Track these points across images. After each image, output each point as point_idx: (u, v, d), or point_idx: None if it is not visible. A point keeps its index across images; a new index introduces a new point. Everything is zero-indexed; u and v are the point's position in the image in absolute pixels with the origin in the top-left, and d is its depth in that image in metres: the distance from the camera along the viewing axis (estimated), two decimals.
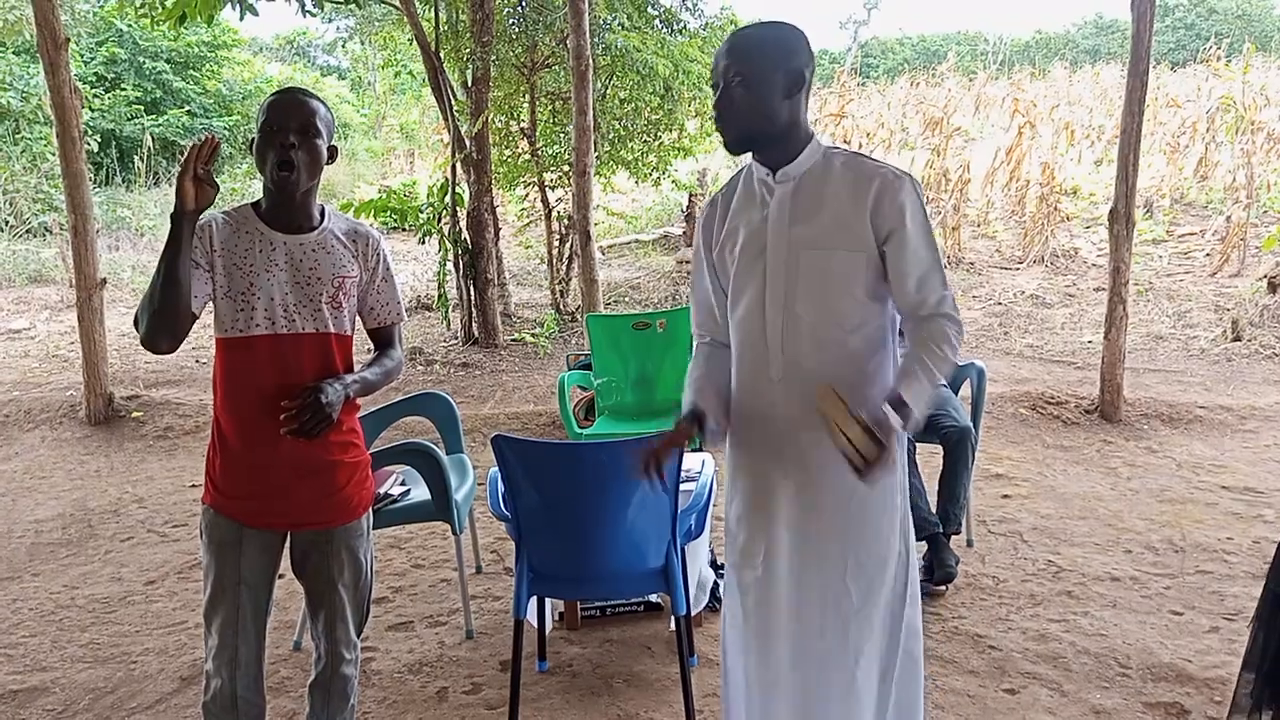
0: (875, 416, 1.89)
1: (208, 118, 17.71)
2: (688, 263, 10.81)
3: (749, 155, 2.16)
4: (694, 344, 2.39)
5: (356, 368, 2.39)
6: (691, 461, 3.39)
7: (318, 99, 2.26)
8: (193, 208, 2.06)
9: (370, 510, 2.48)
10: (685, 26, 9.73)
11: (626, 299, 10.36)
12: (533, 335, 8.91)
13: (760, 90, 2.00)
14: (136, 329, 2.21)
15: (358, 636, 2.46)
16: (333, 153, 2.29)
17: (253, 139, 2.24)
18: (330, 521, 2.35)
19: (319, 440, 2.25)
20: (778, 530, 2.15)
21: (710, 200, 2.27)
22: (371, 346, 2.53)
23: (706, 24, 9.98)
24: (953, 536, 3.91)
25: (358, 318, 2.45)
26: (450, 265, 8.58)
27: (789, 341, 2.08)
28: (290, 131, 2.17)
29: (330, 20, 13.03)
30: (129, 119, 16.40)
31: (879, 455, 1.86)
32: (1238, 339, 8.16)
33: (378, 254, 2.40)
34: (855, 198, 2.04)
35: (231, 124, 17.71)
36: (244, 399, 2.25)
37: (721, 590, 3.71)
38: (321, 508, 2.33)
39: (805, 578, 2.13)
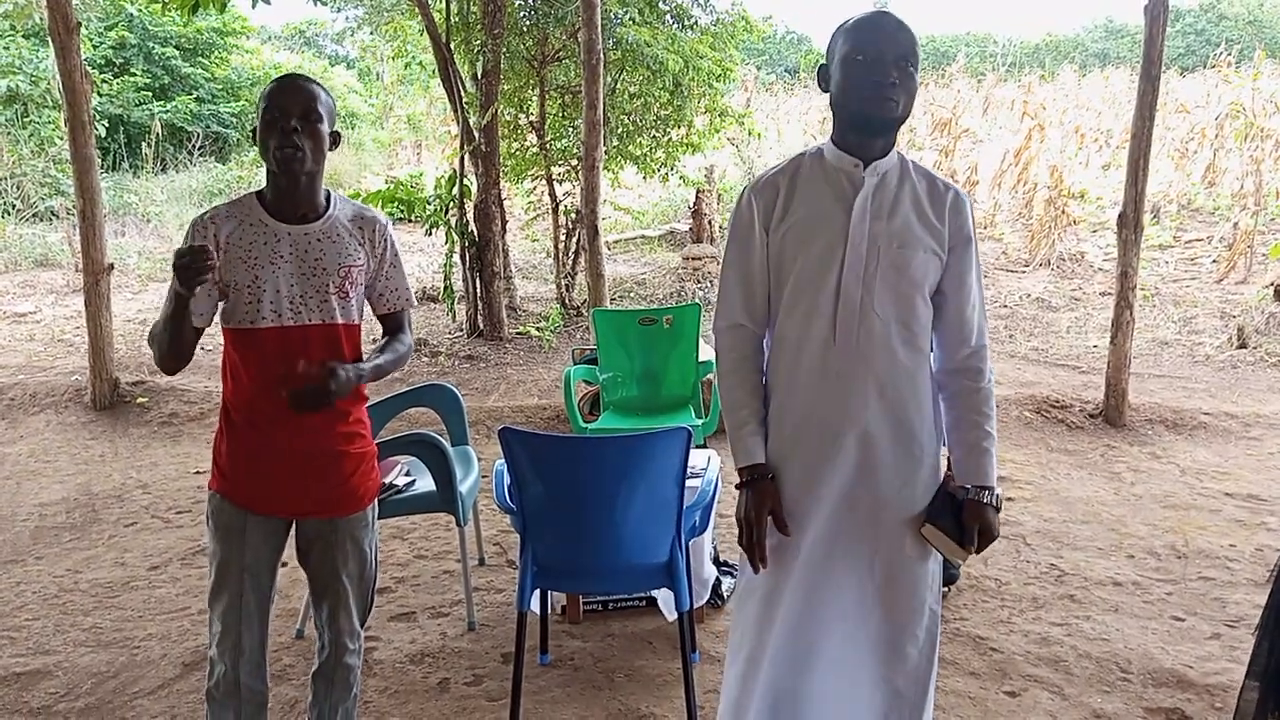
0: (988, 531, 2.08)
1: (215, 104, 17.69)
2: (695, 258, 10.78)
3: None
4: (722, 340, 2.20)
5: (366, 354, 2.39)
6: (697, 458, 3.39)
7: (318, 84, 2.26)
8: (192, 290, 2.08)
9: (376, 501, 2.48)
10: (696, 23, 9.72)
11: (632, 294, 10.36)
12: (538, 329, 8.91)
13: (917, 80, 2.03)
14: (150, 346, 2.26)
15: (361, 627, 2.47)
16: (335, 138, 2.29)
17: (254, 127, 2.24)
18: (335, 511, 2.36)
19: (326, 430, 2.27)
20: (821, 529, 2.11)
21: (767, 181, 2.16)
22: (379, 333, 2.52)
23: (717, 20, 9.96)
24: None
25: (366, 305, 2.44)
26: (456, 257, 8.59)
27: (861, 336, 2.05)
28: (293, 116, 2.16)
29: (340, 10, 13.00)
30: (137, 104, 16.39)
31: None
32: (1243, 346, 8.15)
33: (385, 239, 2.39)
34: (933, 202, 2.08)
35: (238, 110, 17.68)
36: (252, 390, 2.25)
37: (724, 588, 3.74)
38: (327, 497, 2.34)
39: (852, 578, 2.11)
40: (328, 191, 2.34)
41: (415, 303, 2.52)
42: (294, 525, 2.39)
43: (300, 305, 2.24)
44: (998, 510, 2.09)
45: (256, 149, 2.24)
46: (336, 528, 2.37)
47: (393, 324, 2.50)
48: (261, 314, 2.22)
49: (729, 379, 2.19)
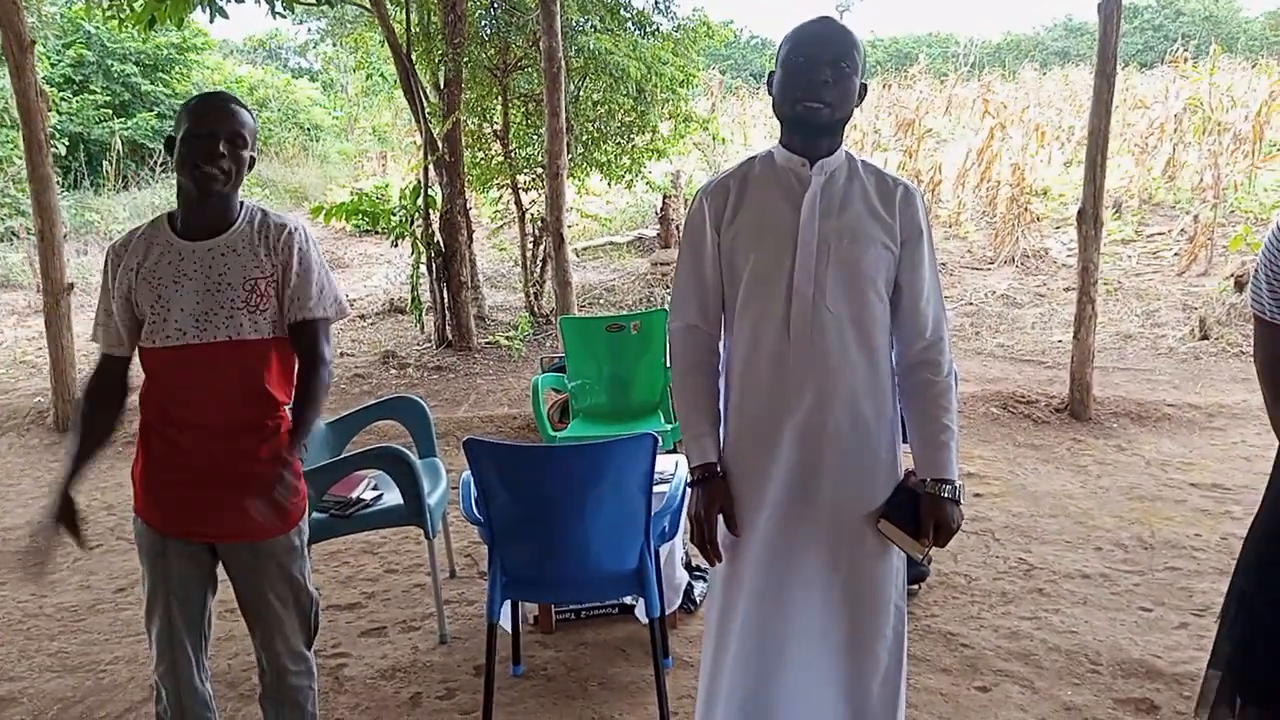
0: (944, 526, 2.07)
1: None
2: (663, 264, 10.79)
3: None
4: (675, 341, 2.21)
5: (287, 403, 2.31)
6: (664, 463, 3.39)
7: (244, 106, 2.21)
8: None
9: (302, 525, 2.36)
10: (658, 29, 9.73)
11: (601, 301, 10.35)
12: (507, 338, 8.88)
13: (854, 82, 2.05)
14: None
15: (308, 649, 2.41)
16: (252, 162, 2.23)
17: (171, 137, 2.16)
18: (253, 536, 2.26)
19: (240, 453, 2.22)
20: (785, 530, 2.11)
21: (718, 184, 2.18)
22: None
23: (679, 26, 9.98)
24: None
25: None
26: (423, 268, 8.55)
27: (815, 334, 2.06)
28: (221, 139, 2.11)
29: (301, 22, 12.95)
30: (97, 122, 16.21)
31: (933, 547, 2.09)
32: (1205, 337, 8.25)
33: (289, 247, 2.24)
34: (883, 198, 2.10)
35: None
36: (162, 409, 2.22)
37: (697, 592, 3.74)
38: (241, 521, 2.22)
39: (815, 575, 2.12)
40: (241, 202, 2.26)
41: (337, 314, 2.35)
42: (220, 549, 2.33)
43: (206, 322, 2.17)
44: (958, 504, 2.09)
45: (175, 161, 2.16)
46: (257, 553, 2.28)
47: (303, 341, 2.29)
48: (166, 333, 2.17)
49: (683, 380, 2.21)
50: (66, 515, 2.27)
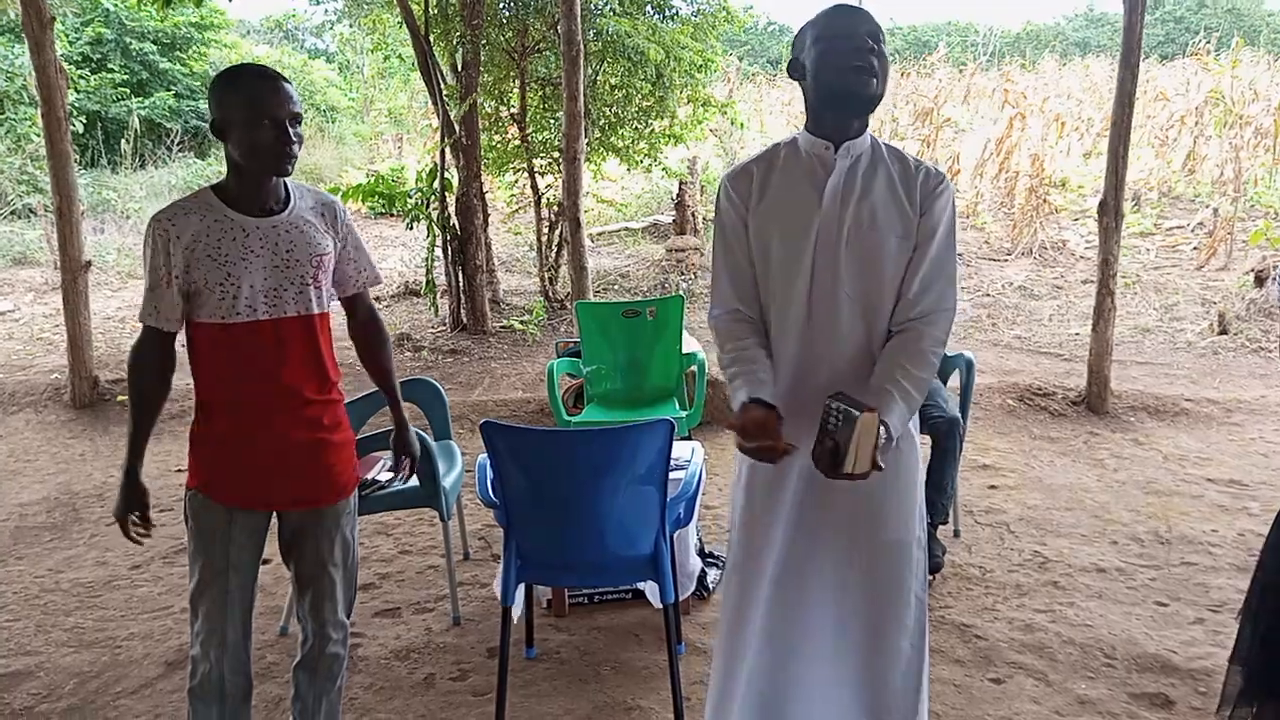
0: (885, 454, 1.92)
1: (194, 99, 17.54)
2: (679, 250, 10.76)
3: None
4: (721, 326, 2.20)
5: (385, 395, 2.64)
6: (680, 450, 3.39)
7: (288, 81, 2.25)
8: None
9: (357, 490, 2.49)
10: (677, 13, 9.69)
11: (616, 287, 10.33)
12: (522, 322, 8.88)
13: (886, 63, 2.05)
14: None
15: (347, 617, 2.46)
16: None
17: (214, 119, 2.18)
18: (320, 500, 2.36)
19: (306, 420, 2.28)
20: (803, 517, 2.11)
21: (741, 169, 2.18)
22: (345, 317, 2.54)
23: (698, 10, 9.92)
24: (939, 526, 3.92)
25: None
26: (439, 251, 8.54)
27: (833, 317, 2.06)
28: (286, 122, 2.15)
29: (318, 2, 12.93)
30: (115, 100, 16.23)
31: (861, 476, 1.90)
32: (1224, 332, 8.18)
33: (344, 221, 2.40)
34: (905, 184, 2.09)
35: None
36: (232, 384, 2.23)
37: (710, 579, 3.73)
38: (311, 487, 2.34)
39: (833, 564, 2.11)
40: (284, 182, 2.31)
41: (381, 278, 2.53)
42: (277, 518, 2.39)
43: (276, 298, 2.23)
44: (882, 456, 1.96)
45: (229, 141, 2.17)
46: (322, 517, 2.37)
47: (362, 307, 2.52)
48: (237, 309, 2.19)
49: (735, 354, 2.14)
50: (141, 503, 2.34)
